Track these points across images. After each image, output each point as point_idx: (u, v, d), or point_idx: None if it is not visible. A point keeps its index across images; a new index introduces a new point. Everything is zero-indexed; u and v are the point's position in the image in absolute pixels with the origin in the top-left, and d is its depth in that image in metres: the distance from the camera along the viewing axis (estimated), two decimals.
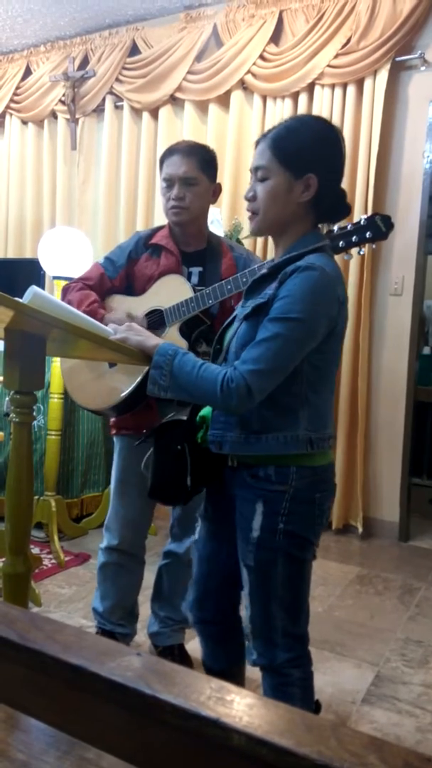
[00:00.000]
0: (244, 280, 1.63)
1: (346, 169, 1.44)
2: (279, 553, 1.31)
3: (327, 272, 1.26)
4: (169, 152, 1.86)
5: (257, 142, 1.35)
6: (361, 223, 1.54)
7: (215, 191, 1.90)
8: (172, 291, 1.81)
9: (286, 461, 1.30)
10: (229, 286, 1.68)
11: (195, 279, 1.89)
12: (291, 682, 1.37)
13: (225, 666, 1.52)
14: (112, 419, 1.98)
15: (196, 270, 1.90)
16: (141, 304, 1.87)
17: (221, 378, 1.24)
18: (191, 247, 1.91)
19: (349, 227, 1.55)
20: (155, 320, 1.82)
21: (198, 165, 1.82)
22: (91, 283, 1.91)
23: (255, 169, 1.33)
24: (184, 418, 1.43)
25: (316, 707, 1.45)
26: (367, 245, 1.59)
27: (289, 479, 1.30)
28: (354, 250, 1.59)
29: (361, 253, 1.63)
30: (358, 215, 3.32)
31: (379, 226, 1.53)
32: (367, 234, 1.54)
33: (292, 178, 1.29)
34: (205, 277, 1.88)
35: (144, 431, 1.65)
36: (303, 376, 1.29)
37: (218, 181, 1.92)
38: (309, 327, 1.24)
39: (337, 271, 1.31)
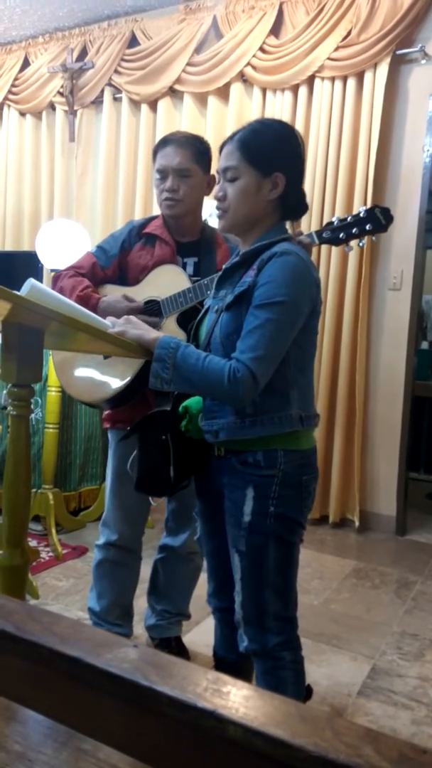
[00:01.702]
0: None
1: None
2: (270, 536, 1.35)
3: (301, 257, 1.33)
4: (163, 143, 1.84)
5: (223, 145, 1.40)
6: (361, 215, 1.54)
7: (210, 183, 1.87)
8: (169, 281, 1.79)
9: (274, 444, 1.34)
10: None
11: (190, 269, 1.87)
12: (283, 666, 1.40)
13: (237, 657, 1.54)
14: (105, 412, 1.96)
15: (191, 260, 1.88)
16: (136, 295, 1.84)
17: (228, 369, 1.26)
18: (186, 237, 1.89)
19: (349, 219, 1.55)
20: (152, 310, 1.80)
21: (192, 156, 1.80)
22: (83, 272, 1.87)
23: (224, 170, 1.38)
24: (168, 408, 1.45)
25: (307, 691, 1.48)
26: (367, 237, 1.59)
27: (277, 463, 1.34)
28: (354, 242, 1.59)
29: (362, 245, 1.63)
30: (358, 208, 3.34)
31: (379, 218, 1.53)
32: (367, 226, 1.54)
33: (261, 176, 1.35)
34: (200, 267, 1.87)
35: (128, 427, 1.65)
36: (290, 358, 1.34)
37: (213, 173, 1.90)
38: (295, 308, 1.30)
39: (308, 257, 1.38)
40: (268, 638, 1.38)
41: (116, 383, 1.74)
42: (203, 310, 1.50)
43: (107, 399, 1.77)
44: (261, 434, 1.34)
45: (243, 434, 1.35)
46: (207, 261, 1.86)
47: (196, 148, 1.82)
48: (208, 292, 1.71)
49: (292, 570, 1.41)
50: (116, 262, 1.90)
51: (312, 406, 1.41)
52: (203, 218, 1.97)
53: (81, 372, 1.84)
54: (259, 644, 1.39)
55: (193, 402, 1.44)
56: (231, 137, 1.39)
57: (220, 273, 1.45)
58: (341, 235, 1.56)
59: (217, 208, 1.40)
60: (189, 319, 1.79)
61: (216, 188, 1.41)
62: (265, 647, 1.39)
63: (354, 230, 1.55)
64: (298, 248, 1.35)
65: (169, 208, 1.83)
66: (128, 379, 1.71)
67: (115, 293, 1.88)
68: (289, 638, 1.41)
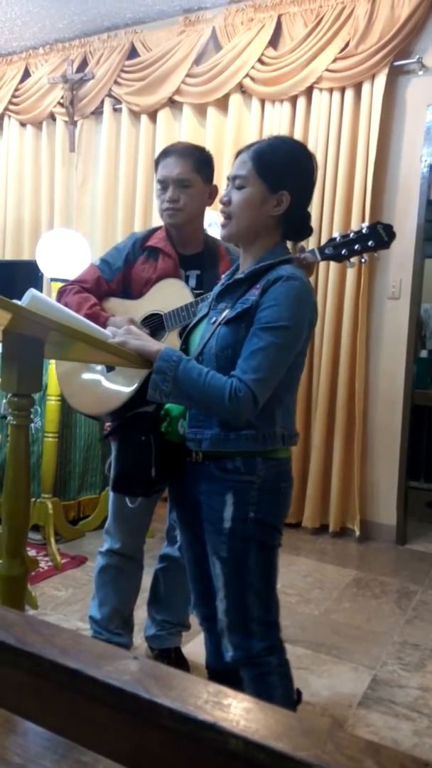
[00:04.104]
0: None
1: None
2: (251, 541, 1.37)
3: (305, 282, 1.36)
4: (164, 154, 1.85)
5: (239, 153, 1.42)
6: (363, 231, 1.55)
7: (211, 193, 1.88)
8: (171, 295, 1.80)
9: (253, 454, 1.37)
10: None
11: (192, 282, 1.88)
12: (270, 671, 1.41)
13: (227, 665, 1.53)
14: (107, 424, 1.96)
15: (193, 273, 1.89)
16: (139, 308, 1.85)
17: (229, 387, 1.28)
18: (188, 249, 1.90)
19: (351, 235, 1.56)
20: (154, 324, 1.80)
21: (193, 167, 1.81)
22: (88, 286, 1.88)
23: (233, 178, 1.40)
24: (150, 410, 1.48)
25: (297, 695, 1.48)
26: (368, 254, 1.60)
27: (256, 470, 1.36)
28: (355, 258, 1.60)
29: (363, 261, 1.64)
30: (356, 219, 3.36)
31: (381, 235, 1.54)
32: (370, 243, 1.54)
33: (268, 191, 1.37)
34: (203, 280, 1.87)
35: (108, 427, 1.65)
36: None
37: (215, 183, 1.91)
38: (297, 333, 1.33)
39: (309, 281, 1.40)
40: (253, 644, 1.39)
41: (120, 396, 1.74)
42: (197, 318, 1.51)
43: (110, 412, 1.77)
44: (243, 449, 1.36)
45: (225, 446, 1.37)
46: (210, 274, 1.86)
47: (197, 158, 1.83)
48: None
49: (272, 573, 1.43)
50: (120, 276, 1.90)
51: (293, 425, 1.44)
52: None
53: (84, 384, 1.84)
54: (244, 651, 1.39)
55: (174, 405, 1.45)
56: (248, 147, 1.41)
57: (220, 287, 1.45)
58: (343, 251, 1.57)
59: (222, 212, 1.42)
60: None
61: (222, 193, 1.43)
62: (251, 653, 1.39)
63: (356, 246, 1.56)
64: (302, 272, 1.37)
65: (170, 217, 1.84)
66: (131, 393, 1.72)
67: (119, 307, 1.88)
68: (273, 643, 1.42)
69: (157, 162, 1.87)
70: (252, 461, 1.36)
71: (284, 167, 1.38)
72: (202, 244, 1.91)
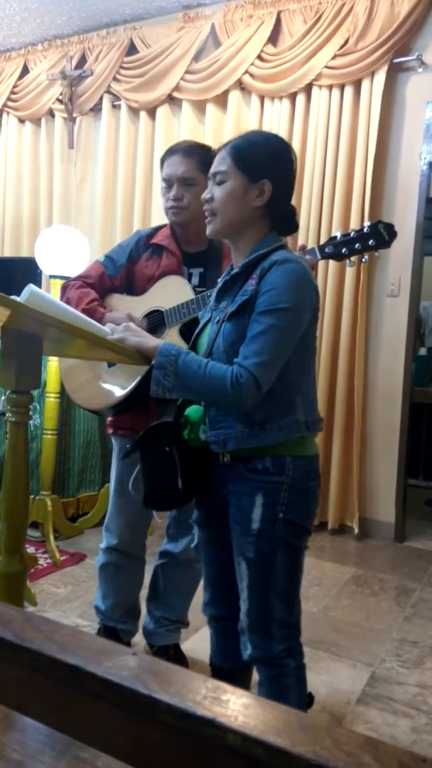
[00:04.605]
0: None
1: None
2: (279, 542, 1.35)
3: (301, 264, 1.35)
4: (169, 152, 1.87)
5: (218, 150, 1.43)
6: (364, 230, 1.54)
7: None
8: (173, 292, 1.80)
9: (282, 451, 1.35)
10: None
11: (195, 280, 1.89)
12: (287, 673, 1.40)
13: (233, 665, 1.53)
14: (109, 418, 1.97)
15: (196, 271, 1.90)
16: (141, 305, 1.86)
17: (230, 375, 1.27)
18: (192, 247, 1.91)
19: (352, 234, 1.55)
20: (155, 321, 1.81)
21: (197, 165, 1.82)
22: (91, 282, 1.90)
23: (214, 175, 1.40)
24: (170, 420, 1.45)
25: (309, 699, 1.47)
26: (369, 253, 1.59)
27: (286, 470, 1.34)
28: (356, 257, 1.60)
29: (364, 260, 1.63)
30: (356, 217, 3.35)
31: (383, 234, 1.54)
32: (370, 242, 1.54)
33: (248, 182, 1.37)
34: (205, 278, 1.88)
35: (130, 434, 1.64)
36: (292, 364, 1.35)
37: None
38: (298, 314, 1.31)
39: (307, 264, 1.40)
40: (274, 645, 1.38)
41: (120, 391, 1.75)
42: (201, 324, 1.50)
43: (111, 406, 1.78)
44: (269, 442, 1.34)
45: (251, 442, 1.35)
46: (213, 272, 1.87)
47: (201, 156, 1.84)
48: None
49: (298, 575, 1.41)
50: (124, 272, 1.92)
51: (315, 410, 1.42)
52: None
53: (87, 380, 1.85)
54: (264, 651, 1.38)
55: (193, 411, 1.43)
56: (225, 144, 1.41)
57: (218, 285, 1.45)
58: (344, 250, 1.57)
59: (205, 210, 1.41)
60: (192, 330, 1.80)
61: (205, 192, 1.42)
62: (270, 654, 1.38)
63: (357, 245, 1.55)
64: (296, 255, 1.36)
65: (175, 215, 1.85)
66: (131, 387, 1.72)
67: (121, 303, 1.89)
68: (293, 645, 1.41)
69: (162, 161, 1.89)
70: (281, 460, 1.34)
71: (262, 156, 1.38)
72: (206, 242, 1.91)
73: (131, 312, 1.84)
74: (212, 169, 1.41)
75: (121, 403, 1.75)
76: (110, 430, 1.99)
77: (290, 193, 1.43)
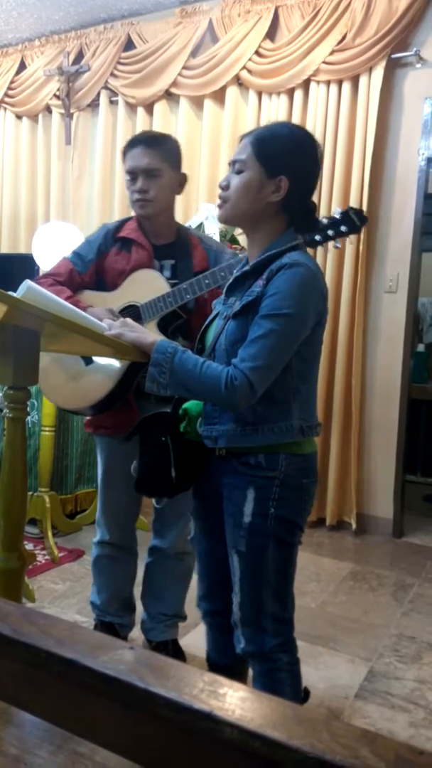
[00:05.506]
0: (222, 274, 1.64)
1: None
2: (270, 537, 1.35)
3: (311, 268, 1.32)
4: (131, 144, 1.83)
5: (242, 137, 1.40)
6: (336, 217, 1.55)
7: (181, 182, 1.87)
8: (147, 286, 1.78)
9: (276, 449, 1.35)
10: (207, 281, 1.67)
11: (167, 272, 1.86)
12: (280, 668, 1.40)
13: (230, 660, 1.53)
14: (87, 418, 1.96)
15: (168, 263, 1.87)
16: (114, 300, 1.83)
17: (225, 376, 1.27)
18: (161, 239, 1.88)
19: (324, 221, 1.55)
20: (131, 316, 1.79)
21: (161, 156, 1.79)
22: (61, 279, 1.85)
23: (233, 162, 1.38)
24: (168, 410, 1.46)
25: (305, 693, 1.48)
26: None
27: (279, 465, 1.35)
28: (330, 244, 1.60)
29: (337, 246, 1.63)
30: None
31: (353, 220, 1.53)
32: (342, 228, 1.54)
33: (266, 176, 1.34)
34: (177, 270, 1.86)
35: (124, 429, 1.64)
36: (293, 369, 1.34)
37: (185, 172, 1.89)
38: (300, 321, 1.30)
39: (317, 266, 1.37)
40: (266, 640, 1.38)
41: (100, 390, 1.73)
42: (210, 317, 1.49)
43: (92, 405, 1.77)
44: (261, 443, 1.34)
45: (242, 442, 1.35)
46: (184, 263, 1.85)
47: (165, 147, 1.82)
48: (188, 297, 1.71)
49: (290, 571, 1.42)
50: (93, 268, 1.88)
51: (314, 415, 1.41)
52: (199, 221, 1.97)
53: (64, 380, 1.83)
54: (256, 645, 1.39)
55: (192, 404, 1.44)
56: (251, 132, 1.39)
57: (230, 281, 1.44)
58: (317, 237, 1.56)
59: (219, 197, 1.40)
60: (168, 323, 1.78)
61: (222, 178, 1.41)
62: (263, 649, 1.39)
63: (330, 232, 1.55)
64: (308, 258, 1.34)
65: (141, 208, 1.82)
66: (111, 386, 1.72)
67: (93, 300, 1.86)
68: (286, 640, 1.42)
69: (124, 153, 1.85)
70: (275, 457, 1.34)
71: (283, 152, 1.34)
72: (174, 234, 1.89)
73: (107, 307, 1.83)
74: (233, 157, 1.39)
75: (102, 401, 1.74)
76: (89, 430, 1.97)
77: (310, 192, 1.40)
